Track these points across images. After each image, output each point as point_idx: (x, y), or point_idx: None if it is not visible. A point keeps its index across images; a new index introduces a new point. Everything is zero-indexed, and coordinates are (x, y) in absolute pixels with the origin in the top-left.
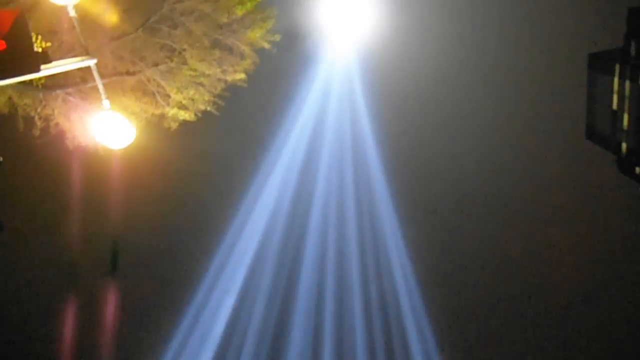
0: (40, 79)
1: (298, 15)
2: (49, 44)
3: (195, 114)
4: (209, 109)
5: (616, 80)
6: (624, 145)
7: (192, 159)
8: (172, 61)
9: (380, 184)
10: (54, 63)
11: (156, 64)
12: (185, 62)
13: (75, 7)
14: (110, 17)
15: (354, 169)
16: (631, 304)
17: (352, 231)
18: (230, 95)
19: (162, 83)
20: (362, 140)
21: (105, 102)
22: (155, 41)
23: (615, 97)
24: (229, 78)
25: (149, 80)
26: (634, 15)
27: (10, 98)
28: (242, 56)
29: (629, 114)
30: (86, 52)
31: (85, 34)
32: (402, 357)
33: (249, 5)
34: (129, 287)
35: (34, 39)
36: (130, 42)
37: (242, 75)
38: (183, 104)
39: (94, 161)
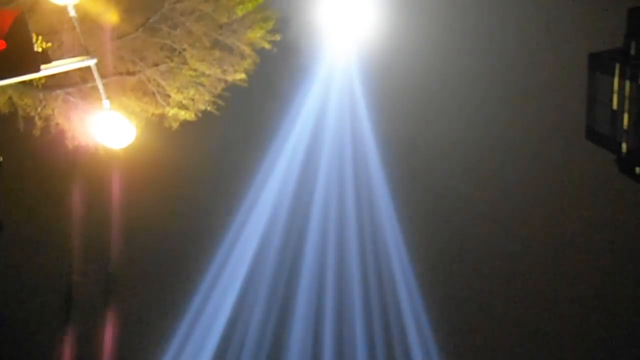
0: (40, 79)
1: (298, 15)
2: (49, 44)
3: (196, 114)
4: (209, 109)
5: (616, 80)
6: (624, 145)
7: (192, 158)
8: (172, 61)
9: (381, 184)
10: (54, 63)
11: (156, 64)
12: (185, 62)
13: (75, 7)
14: (110, 17)
15: (354, 169)
16: (631, 304)
17: (353, 231)
18: (230, 95)
19: (162, 83)
20: (363, 140)
21: (106, 102)
22: (155, 41)
23: (615, 97)
24: (229, 78)
25: (149, 80)
26: (634, 15)
27: (10, 98)
28: (242, 56)
29: (629, 114)
30: (86, 52)
31: (85, 34)
32: (401, 357)
33: (249, 5)
34: (128, 287)
35: (34, 39)
36: (130, 42)
37: (242, 75)
38: (183, 104)
39: (94, 161)
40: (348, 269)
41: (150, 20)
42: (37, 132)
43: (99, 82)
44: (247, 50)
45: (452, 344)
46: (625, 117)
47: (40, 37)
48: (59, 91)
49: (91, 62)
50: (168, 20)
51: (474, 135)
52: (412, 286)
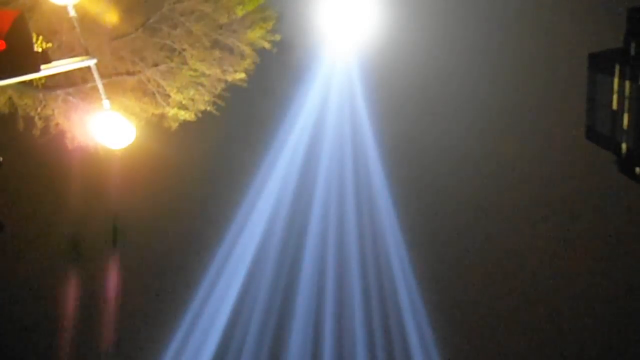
0: (40, 79)
1: (298, 14)
2: (49, 44)
3: (196, 114)
4: (209, 109)
5: (616, 80)
6: (624, 145)
7: (192, 159)
8: (172, 61)
9: (381, 186)
10: (54, 63)
11: (156, 64)
12: (185, 62)
13: (75, 7)
14: (110, 17)
15: (354, 168)
16: (632, 304)
17: (353, 232)
18: (231, 95)
19: (162, 83)
20: (363, 141)
21: (105, 102)
22: (155, 41)
23: (615, 97)
24: (229, 78)
25: (149, 80)
26: (634, 15)
27: (10, 98)
28: (242, 56)
29: (629, 114)
30: (86, 52)
31: (85, 34)
32: (401, 357)
33: (249, 5)
34: (129, 286)
35: (34, 39)
36: (130, 42)
37: (242, 75)
38: (183, 104)
39: (94, 161)
40: (348, 268)
41: (150, 20)
42: (37, 132)
43: (99, 82)
44: (247, 50)
45: (452, 344)
46: (625, 117)
47: (40, 37)
48: (59, 91)
49: (91, 62)
50: (168, 20)
51: (474, 135)
52: (412, 286)
